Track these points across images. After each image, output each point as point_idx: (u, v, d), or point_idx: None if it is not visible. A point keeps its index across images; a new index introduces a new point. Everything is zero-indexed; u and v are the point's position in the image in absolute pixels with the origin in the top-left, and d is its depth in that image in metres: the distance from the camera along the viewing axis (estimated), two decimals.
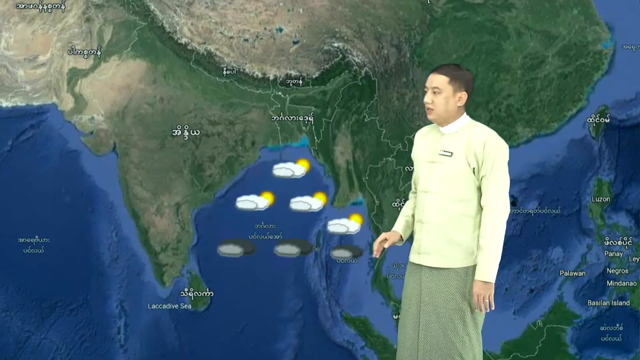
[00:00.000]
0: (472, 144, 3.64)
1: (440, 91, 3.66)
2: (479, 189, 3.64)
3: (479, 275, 3.59)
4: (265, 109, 5.80)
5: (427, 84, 3.70)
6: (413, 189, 3.93)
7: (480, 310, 3.62)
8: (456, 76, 3.67)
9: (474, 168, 3.62)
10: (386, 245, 3.82)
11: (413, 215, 3.89)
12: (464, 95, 3.69)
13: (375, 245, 3.81)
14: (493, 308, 3.65)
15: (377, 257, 3.90)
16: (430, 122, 3.82)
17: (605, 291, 5.81)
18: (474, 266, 3.64)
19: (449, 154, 3.66)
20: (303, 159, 5.77)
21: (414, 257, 3.75)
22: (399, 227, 3.89)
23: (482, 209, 3.64)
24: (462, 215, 3.63)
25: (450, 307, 3.63)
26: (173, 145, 5.82)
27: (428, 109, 3.70)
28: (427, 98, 3.69)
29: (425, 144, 3.78)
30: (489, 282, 3.60)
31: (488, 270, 3.59)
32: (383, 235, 3.84)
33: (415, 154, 3.85)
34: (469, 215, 3.64)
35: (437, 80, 3.67)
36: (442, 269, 3.65)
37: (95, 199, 5.85)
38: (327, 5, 5.81)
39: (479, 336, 3.70)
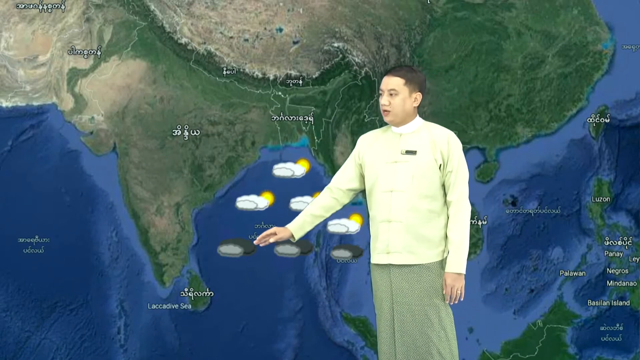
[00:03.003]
0: (436, 142, 3.73)
1: (397, 93, 3.74)
2: (443, 185, 3.72)
3: (452, 268, 3.66)
4: (265, 109, 5.80)
5: (383, 87, 3.77)
6: (332, 185, 3.93)
7: (451, 301, 3.68)
8: (411, 78, 3.76)
9: (440, 165, 3.71)
10: (272, 240, 3.89)
11: (315, 215, 3.92)
12: (419, 96, 3.78)
13: (261, 236, 3.88)
14: (462, 299, 3.71)
15: (260, 245, 3.95)
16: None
17: (605, 291, 5.81)
18: (443, 260, 3.72)
19: (413, 153, 3.73)
20: (303, 159, 5.77)
21: (380, 258, 3.77)
22: (294, 224, 3.94)
23: (446, 204, 3.73)
24: (428, 211, 3.70)
25: (425, 304, 3.67)
26: (173, 145, 5.83)
27: (385, 111, 3.77)
28: (384, 100, 3.76)
29: (380, 147, 3.82)
30: (462, 274, 3.67)
31: (461, 262, 3.67)
32: (273, 230, 3.92)
33: (366, 158, 3.84)
34: (435, 211, 3.71)
35: (393, 82, 3.74)
36: (413, 265, 3.69)
37: (95, 199, 5.85)
38: (327, 5, 5.81)
39: (454, 331, 3.74)
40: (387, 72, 3.81)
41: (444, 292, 3.68)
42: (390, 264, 3.72)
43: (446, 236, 3.71)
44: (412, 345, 3.67)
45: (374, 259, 3.80)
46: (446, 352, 3.67)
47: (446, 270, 3.68)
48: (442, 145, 3.72)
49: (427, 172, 3.70)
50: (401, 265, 3.70)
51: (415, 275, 3.69)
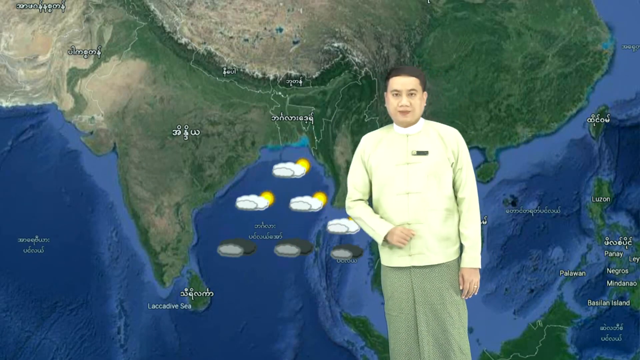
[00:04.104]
0: (446, 141, 3.76)
1: (416, 92, 3.74)
2: (453, 183, 3.76)
3: (469, 263, 3.72)
4: (265, 109, 5.80)
5: (400, 87, 3.72)
6: (360, 196, 3.88)
7: (468, 296, 3.74)
8: (423, 78, 3.80)
9: (452, 163, 3.74)
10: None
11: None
12: (425, 96, 3.82)
13: (405, 240, 3.73)
14: (476, 294, 3.78)
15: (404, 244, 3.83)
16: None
17: (605, 291, 5.81)
18: (459, 258, 3.76)
19: (425, 153, 3.72)
20: (303, 159, 5.77)
21: (402, 261, 3.75)
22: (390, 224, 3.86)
23: (457, 202, 3.77)
24: (445, 210, 3.72)
25: (447, 302, 3.70)
26: (173, 145, 5.82)
27: (406, 111, 3.72)
28: (405, 101, 3.71)
29: (386, 148, 3.80)
30: (478, 268, 3.73)
31: (477, 257, 3.73)
32: (410, 229, 3.75)
33: (372, 160, 3.82)
34: (450, 209, 3.74)
35: (412, 82, 3.73)
36: (435, 265, 3.70)
37: (95, 199, 5.85)
38: (327, 5, 5.81)
39: (466, 326, 3.80)
40: (398, 72, 3.75)
41: (460, 288, 3.72)
42: (412, 266, 3.73)
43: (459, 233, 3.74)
44: (436, 344, 3.69)
45: (393, 262, 3.77)
46: (465, 347, 3.72)
47: (462, 265, 3.72)
48: (452, 143, 3.75)
49: (440, 172, 3.70)
50: (423, 266, 3.71)
51: (437, 274, 3.71)
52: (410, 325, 3.74)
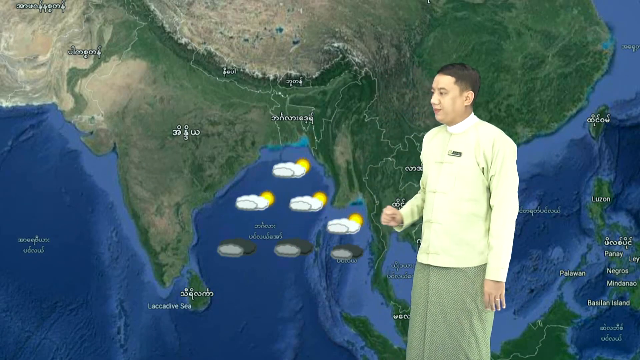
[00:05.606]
0: (480, 144, 3.65)
1: (447, 92, 3.68)
2: (488, 189, 3.66)
3: (490, 275, 3.59)
4: (265, 109, 5.80)
5: (434, 85, 3.72)
6: (421, 190, 3.96)
7: (492, 309, 3.62)
8: (462, 76, 3.69)
9: (482, 168, 3.64)
10: (393, 224, 3.86)
11: (419, 207, 3.93)
12: (470, 95, 3.71)
13: (386, 217, 3.82)
14: (504, 307, 3.65)
15: (386, 224, 3.90)
16: (436, 124, 3.87)
17: (605, 291, 5.81)
18: (482, 266, 3.65)
19: (458, 154, 3.68)
20: (303, 159, 5.77)
21: (422, 258, 3.76)
22: (404, 210, 3.92)
23: (491, 208, 3.66)
24: (471, 215, 3.64)
25: (458, 308, 3.63)
26: (173, 145, 5.82)
27: (435, 109, 3.72)
28: (434, 99, 3.71)
29: (434, 145, 3.81)
30: (500, 282, 3.59)
31: (499, 269, 3.59)
32: (393, 210, 3.84)
33: (424, 156, 3.87)
34: (478, 215, 3.65)
35: (443, 80, 3.69)
36: (451, 268, 3.66)
37: (95, 199, 5.85)
38: (327, 5, 5.81)
39: (486, 338, 3.69)
40: (439, 69, 3.75)
41: (482, 300, 3.62)
42: (430, 265, 3.71)
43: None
44: (441, 346, 3.65)
45: (417, 257, 3.80)
46: (475, 358, 3.64)
47: (485, 277, 3.61)
48: (486, 147, 3.63)
49: (469, 175, 3.63)
50: (439, 267, 3.68)
51: (452, 278, 3.65)
52: (422, 322, 3.72)
